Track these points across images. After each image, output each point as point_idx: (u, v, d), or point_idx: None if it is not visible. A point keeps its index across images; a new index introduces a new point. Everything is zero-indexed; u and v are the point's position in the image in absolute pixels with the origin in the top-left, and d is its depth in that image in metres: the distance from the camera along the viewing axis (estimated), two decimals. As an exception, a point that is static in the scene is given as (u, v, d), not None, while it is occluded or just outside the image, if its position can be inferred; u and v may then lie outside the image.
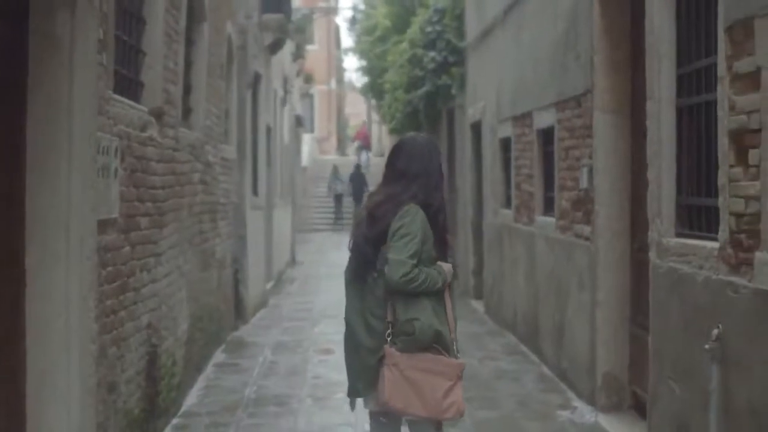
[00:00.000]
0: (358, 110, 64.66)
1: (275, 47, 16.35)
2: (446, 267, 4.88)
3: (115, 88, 6.20)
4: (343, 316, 5.01)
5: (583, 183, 8.59)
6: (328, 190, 36.65)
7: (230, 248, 12.28)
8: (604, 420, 8.05)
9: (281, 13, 15.62)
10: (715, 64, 5.61)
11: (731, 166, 5.42)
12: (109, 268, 5.98)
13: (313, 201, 37.83)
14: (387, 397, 4.70)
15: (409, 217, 4.77)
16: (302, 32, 23.60)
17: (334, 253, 26.03)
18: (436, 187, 4.99)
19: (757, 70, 5.07)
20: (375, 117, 48.92)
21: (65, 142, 5.16)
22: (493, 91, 13.34)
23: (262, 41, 15.30)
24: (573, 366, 9.07)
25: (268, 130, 16.81)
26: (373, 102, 37.10)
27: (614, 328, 8.26)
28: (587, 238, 8.58)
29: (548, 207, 10.35)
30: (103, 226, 5.79)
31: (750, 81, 5.16)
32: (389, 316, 4.79)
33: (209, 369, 10.14)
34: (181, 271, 8.53)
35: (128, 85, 6.83)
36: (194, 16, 9.35)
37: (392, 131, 24.73)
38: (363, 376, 4.88)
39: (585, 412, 8.28)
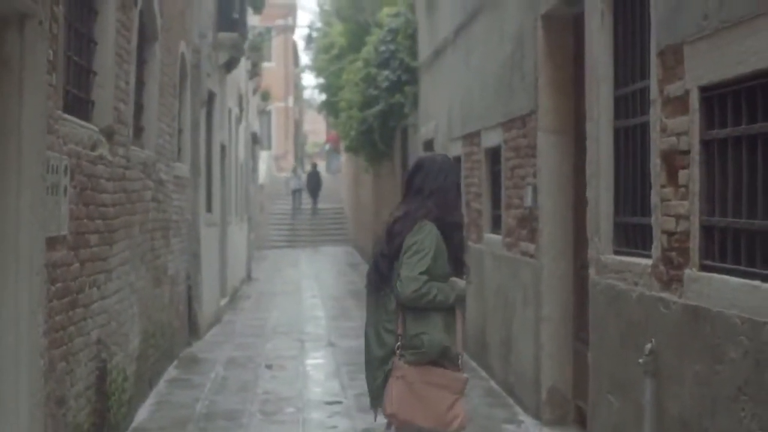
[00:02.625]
0: (316, 127, 64.86)
1: (230, 66, 16.50)
2: (460, 283, 5.06)
3: (65, 108, 6.31)
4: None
5: (528, 201, 8.79)
6: (285, 186, 42.00)
7: (183, 265, 12.36)
8: (548, 434, 8.23)
9: (236, 32, 15.75)
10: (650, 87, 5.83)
11: (662, 186, 5.63)
12: (58, 284, 6.07)
13: (270, 218, 37.98)
14: (395, 409, 4.92)
15: (422, 234, 4.97)
16: (258, 50, 23.75)
17: (290, 270, 26.22)
18: (452, 204, 5.17)
19: (686, 94, 5.28)
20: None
21: (14, 161, 5.28)
22: (445, 110, 13.55)
23: (217, 60, 15.42)
24: (519, 381, 9.25)
25: (223, 147, 16.92)
26: (331, 120, 37.40)
27: (558, 343, 8.45)
28: (532, 256, 8.77)
29: (496, 225, 10.54)
30: (52, 243, 5.89)
31: (680, 104, 5.37)
32: (399, 330, 4.98)
33: (161, 384, 10.21)
34: (133, 287, 8.62)
35: (79, 104, 6.94)
36: (146, 36, 9.46)
37: (347, 149, 24.90)
38: (373, 387, 5.10)
39: (530, 427, 8.45)
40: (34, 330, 5.45)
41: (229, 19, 15.74)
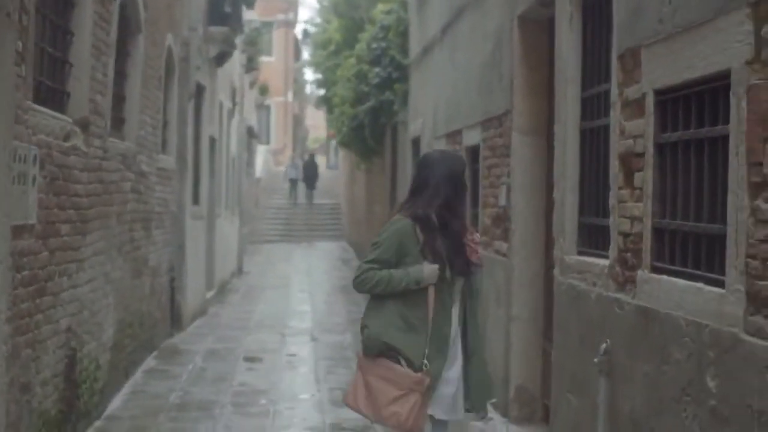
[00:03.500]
0: (318, 122, 64.86)
1: (221, 59, 16.56)
2: (427, 269, 4.92)
3: (37, 99, 6.39)
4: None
5: (502, 201, 8.86)
6: (284, 177, 42.69)
7: (166, 257, 12.43)
8: (515, 431, 8.30)
9: (227, 26, 15.81)
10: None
11: (620, 188, 5.71)
12: (25, 272, 6.14)
13: (266, 212, 38.04)
14: (349, 398, 5.07)
15: (385, 229, 5.10)
16: (254, 45, 23.82)
17: (282, 265, 26.28)
18: (436, 200, 5.03)
19: (643, 97, 5.35)
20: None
21: (-21, 150, 5.35)
22: (431, 107, 13.61)
23: (207, 53, 15.48)
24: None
25: (212, 141, 16.98)
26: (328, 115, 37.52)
27: (527, 342, 8.52)
28: (505, 255, 8.84)
29: (474, 223, 10.60)
30: (19, 231, 5.96)
31: (637, 107, 5.44)
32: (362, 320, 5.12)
33: (138, 374, 10.30)
34: (108, 277, 8.69)
35: (53, 95, 7.01)
36: (129, 29, 9.53)
37: (340, 144, 24.99)
38: None
39: (498, 424, 8.52)
40: (-4, 317, 5.53)
41: (221, 13, 15.79)
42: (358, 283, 5.00)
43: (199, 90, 14.86)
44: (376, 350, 4.93)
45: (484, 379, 5.19)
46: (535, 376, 8.48)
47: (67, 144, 7.06)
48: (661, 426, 4.98)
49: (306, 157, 45.62)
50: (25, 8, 5.86)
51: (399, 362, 4.90)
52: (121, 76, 9.28)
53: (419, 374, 4.86)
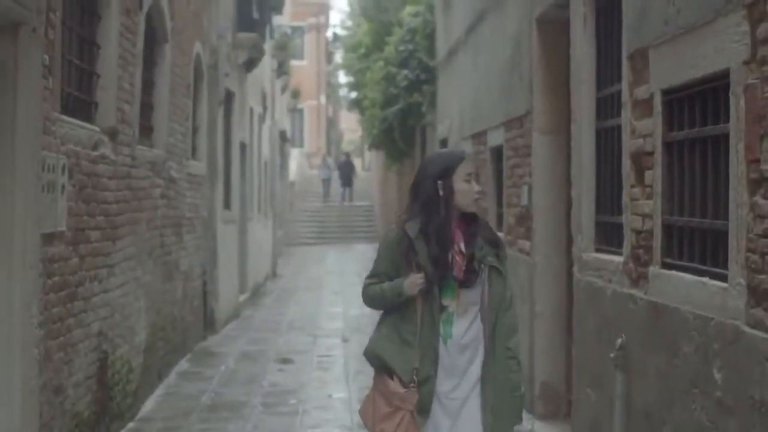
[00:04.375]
0: (352, 125, 65.07)
1: (250, 65, 16.78)
2: (408, 280, 4.50)
3: (65, 109, 6.59)
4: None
5: (524, 200, 8.98)
6: (319, 175, 43.12)
7: (198, 261, 12.65)
8: (540, 427, 8.41)
9: (255, 32, 16.03)
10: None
11: (632, 186, 5.84)
12: (56, 278, 6.35)
13: (300, 215, 38.25)
14: (361, 409, 4.76)
15: (382, 240, 4.83)
16: (284, 50, 24.04)
17: (315, 267, 26.47)
18: (421, 204, 4.61)
19: (651, 97, 5.48)
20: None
21: (9, 161, 5.57)
22: (457, 109, 13.75)
23: (236, 60, 15.70)
24: (515, 375, 9.43)
25: (243, 146, 17.20)
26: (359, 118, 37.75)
27: (551, 339, 8.63)
28: (528, 253, 8.97)
29: (499, 222, 10.73)
30: (49, 238, 6.17)
31: (646, 106, 5.57)
32: None
33: (171, 377, 10.50)
34: (139, 282, 8.90)
35: (81, 105, 7.22)
36: (155, 39, 9.75)
37: (371, 146, 25.18)
38: None
39: (523, 421, 8.62)
40: (28, 321, 5.73)
41: (249, 19, 16.03)
42: (363, 300, 4.74)
43: (229, 96, 15.08)
44: (373, 363, 4.65)
45: (502, 405, 4.56)
46: (559, 373, 8.59)
47: (95, 153, 7.27)
48: (672, 418, 5.10)
49: (342, 157, 45.66)
50: (51, 23, 6.07)
51: (392, 377, 4.54)
52: (148, 85, 9.49)
53: (406, 391, 4.49)
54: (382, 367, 4.59)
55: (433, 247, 4.51)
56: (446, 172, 4.58)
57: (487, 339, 4.55)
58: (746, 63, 4.24)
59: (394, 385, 4.51)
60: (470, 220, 4.63)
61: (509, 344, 4.59)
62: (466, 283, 4.53)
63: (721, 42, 4.50)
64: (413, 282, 4.49)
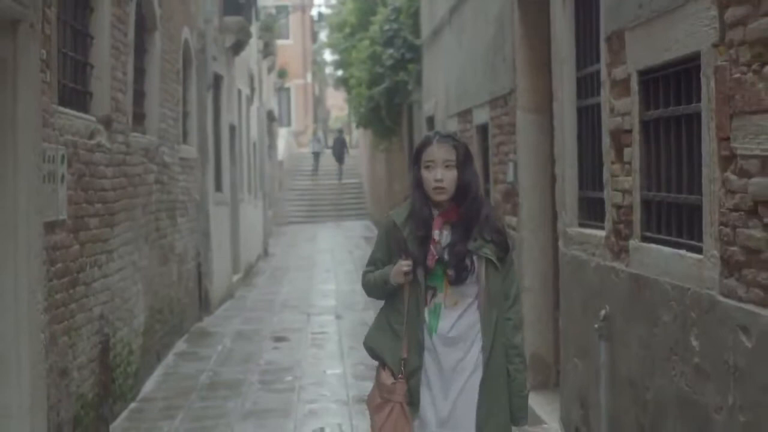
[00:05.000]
0: (339, 103, 65.14)
1: (237, 48, 16.95)
2: (396, 267, 4.35)
3: (62, 101, 6.80)
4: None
5: (510, 177, 9.21)
6: (310, 148, 43.95)
7: (192, 243, 12.86)
8: (530, 398, 8.63)
9: (241, 16, 16.19)
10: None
11: (612, 163, 6.06)
12: (59, 265, 6.57)
13: (289, 194, 38.44)
14: (368, 398, 4.60)
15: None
16: (270, 30, 24.17)
17: (306, 246, 26.70)
18: (410, 190, 4.53)
19: (628, 77, 5.70)
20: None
21: (11, 154, 5.77)
22: (443, 87, 13.96)
23: (223, 43, 15.86)
24: (505, 348, 9.68)
25: (232, 128, 17.39)
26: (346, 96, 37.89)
27: (539, 312, 8.89)
28: (514, 229, 9.20)
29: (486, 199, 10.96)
30: (51, 227, 6.39)
31: (624, 86, 5.79)
32: None
33: (170, 357, 10.75)
34: (136, 266, 9.12)
35: (76, 96, 7.42)
36: (145, 27, 9.93)
37: (358, 125, 25.38)
38: None
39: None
40: (34, 307, 5.95)
41: (235, 3, 16.18)
42: (363, 289, 4.61)
43: (217, 80, 15.26)
44: (369, 354, 4.56)
45: (499, 405, 4.35)
46: (548, 345, 8.85)
47: (92, 142, 7.47)
48: (654, 384, 5.34)
49: (335, 134, 45.82)
50: (47, 18, 6.26)
51: (384, 368, 4.42)
52: (140, 72, 9.69)
53: (393, 383, 4.35)
54: (376, 358, 4.48)
55: (410, 235, 4.36)
56: (416, 157, 4.47)
57: (486, 336, 4.33)
58: (715, 46, 4.45)
59: (385, 376, 4.37)
60: (469, 209, 4.35)
61: (515, 341, 4.42)
62: (452, 277, 4.30)
63: (691, 26, 4.71)
64: (398, 270, 4.32)
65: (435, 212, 4.37)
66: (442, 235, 4.34)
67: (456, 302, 4.36)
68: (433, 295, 4.36)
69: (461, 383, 4.33)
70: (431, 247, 4.31)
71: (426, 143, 4.45)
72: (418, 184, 4.39)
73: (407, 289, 4.35)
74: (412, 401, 4.34)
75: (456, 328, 4.34)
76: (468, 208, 4.35)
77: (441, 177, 4.32)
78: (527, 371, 4.48)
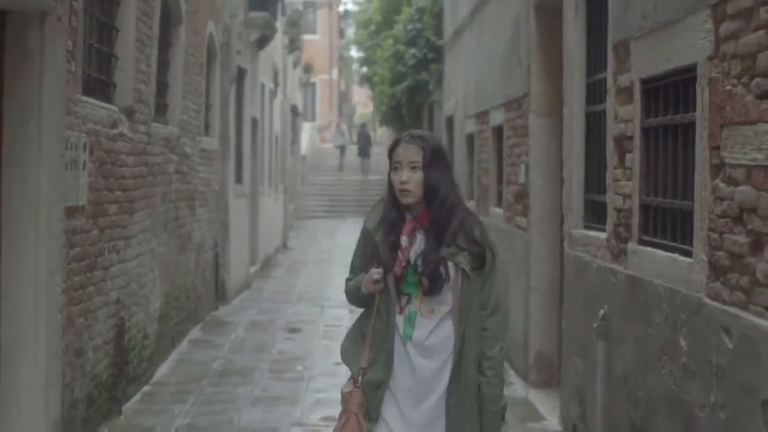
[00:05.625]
0: (364, 99, 65.37)
1: (262, 43, 17.18)
2: (367, 275, 4.07)
3: (86, 90, 7.04)
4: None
5: (521, 178, 9.41)
6: (334, 142, 42.63)
7: (210, 233, 13.10)
8: (533, 395, 8.87)
9: (267, 11, 16.42)
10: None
11: (615, 168, 6.26)
12: (77, 249, 6.81)
13: (312, 188, 38.60)
14: None
15: None
16: (296, 26, 24.41)
17: (325, 241, 26.90)
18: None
19: (632, 85, 5.89)
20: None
21: (35, 140, 6.01)
22: (462, 88, 14.17)
23: (248, 38, 16.10)
24: (511, 346, 9.87)
25: (254, 121, 17.63)
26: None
27: (545, 311, 9.08)
28: (524, 229, 9.40)
29: (499, 199, 11.17)
30: (71, 211, 6.63)
31: (628, 94, 5.98)
32: None
33: (184, 344, 10.98)
34: (154, 253, 9.36)
35: (101, 86, 7.67)
36: (170, 20, 10.17)
37: (381, 122, 25.61)
38: None
39: (518, 388, 9.10)
40: (52, 288, 6.19)
41: (261, -2, 16.43)
42: (347, 299, 4.34)
43: (241, 73, 15.50)
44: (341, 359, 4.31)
45: (467, 418, 4.04)
46: (552, 343, 9.03)
47: (114, 131, 7.71)
48: (646, 383, 5.54)
49: (359, 128, 43.86)
50: (74, 11, 6.50)
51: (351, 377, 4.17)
52: (163, 65, 9.93)
53: (347, 392, 4.10)
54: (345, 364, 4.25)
55: (381, 240, 4.11)
56: (388, 158, 4.20)
57: (455, 346, 4.02)
58: (710, 58, 4.64)
59: (345, 384, 4.15)
60: (437, 213, 4.06)
61: (490, 353, 4.06)
62: (426, 287, 4.01)
63: (690, 38, 4.90)
64: (368, 278, 4.05)
65: (408, 216, 4.10)
66: (414, 241, 4.06)
67: (433, 310, 4.05)
68: (408, 302, 4.05)
69: (436, 398, 4.03)
70: (399, 253, 4.02)
71: (395, 144, 4.17)
72: (390, 186, 4.14)
73: (377, 296, 4.05)
74: (371, 416, 4.04)
75: (433, 337, 4.03)
76: (437, 212, 4.06)
77: (406, 179, 4.03)
78: (503, 385, 4.17)
